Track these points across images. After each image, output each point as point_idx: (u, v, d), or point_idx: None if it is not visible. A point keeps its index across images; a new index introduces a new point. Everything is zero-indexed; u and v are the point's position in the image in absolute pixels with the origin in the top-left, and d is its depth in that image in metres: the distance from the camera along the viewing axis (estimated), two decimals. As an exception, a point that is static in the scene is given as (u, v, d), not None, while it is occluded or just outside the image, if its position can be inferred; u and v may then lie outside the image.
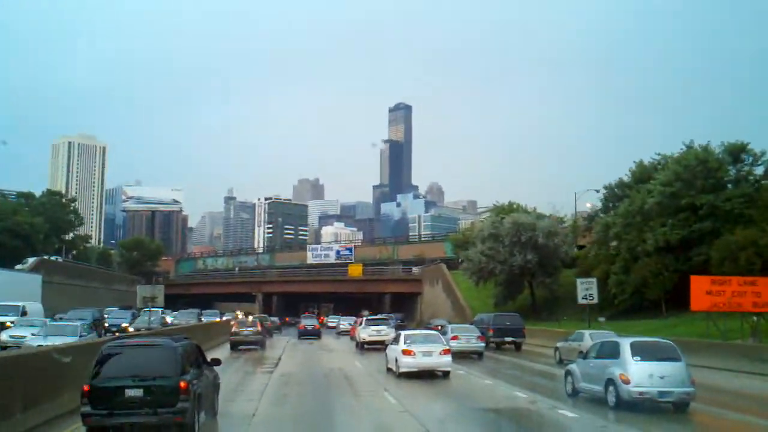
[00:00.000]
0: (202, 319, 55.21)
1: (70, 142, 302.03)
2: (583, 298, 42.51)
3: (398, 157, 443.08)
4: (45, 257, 73.07)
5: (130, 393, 11.33)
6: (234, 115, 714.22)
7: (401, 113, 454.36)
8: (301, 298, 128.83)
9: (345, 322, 60.25)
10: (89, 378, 11.56)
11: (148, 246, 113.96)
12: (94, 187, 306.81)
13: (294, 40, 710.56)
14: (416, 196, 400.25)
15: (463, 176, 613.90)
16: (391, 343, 25.38)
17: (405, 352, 22.32)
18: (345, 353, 37.06)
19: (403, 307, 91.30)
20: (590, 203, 72.32)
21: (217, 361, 15.40)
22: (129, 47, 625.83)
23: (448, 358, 22.76)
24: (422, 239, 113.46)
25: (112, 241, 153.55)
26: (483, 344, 32.21)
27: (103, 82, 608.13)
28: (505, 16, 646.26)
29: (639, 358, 15.57)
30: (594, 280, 44.20)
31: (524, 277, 57.03)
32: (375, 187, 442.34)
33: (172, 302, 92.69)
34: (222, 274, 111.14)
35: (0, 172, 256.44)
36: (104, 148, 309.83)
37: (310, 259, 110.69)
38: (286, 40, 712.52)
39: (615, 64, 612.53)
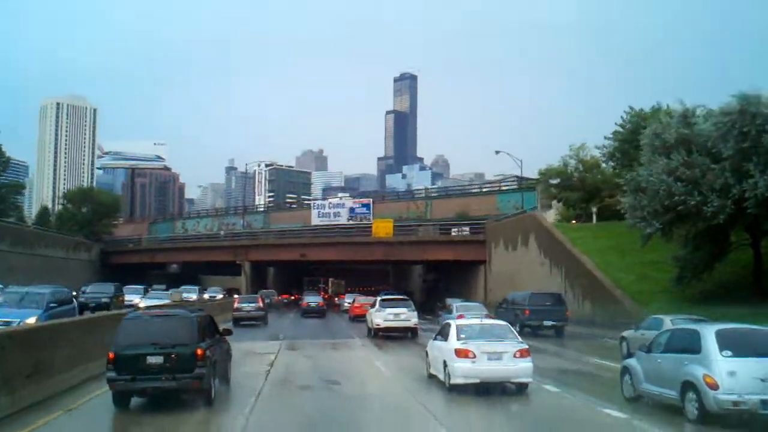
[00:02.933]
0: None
1: (58, 104, 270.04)
2: None
3: (403, 128, 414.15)
4: None
5: (151, 360, 11.51)
6: (237, 90, 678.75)
7: (406, 83, 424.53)
8: (303, 270, 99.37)
9: (346, 301, 51.39)
10: (113, 346, 11.71)
11: (98, 198, 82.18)
12: (84, 152, 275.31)
13: (298, 9, 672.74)
14: (422, 168, 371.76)
15: (469, 148, 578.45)
16: (435, 338, 16.30)
17: (459, 353, 13.96)
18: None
19: (448, 284, 61.42)
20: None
21: (228, 332, 15.40)
22: (128, 19, 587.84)
23: (528, 362, 14.03)
24: (466, 191, 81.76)
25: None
26: None
27: (106, 57, 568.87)
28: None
29: (730, 353, 10.61)
30: None
31: (759, 225, 26.80)
32: (380, 159, 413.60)
33: (142, 274, 69.26)
34: (197, 239, 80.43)
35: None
36: (95, 111, 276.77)
37: (315, 219, 79.17)
38: (290, 8, 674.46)
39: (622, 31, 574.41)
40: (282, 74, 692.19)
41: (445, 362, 14.56)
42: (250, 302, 36.93)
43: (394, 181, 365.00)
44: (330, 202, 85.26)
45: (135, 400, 12.07)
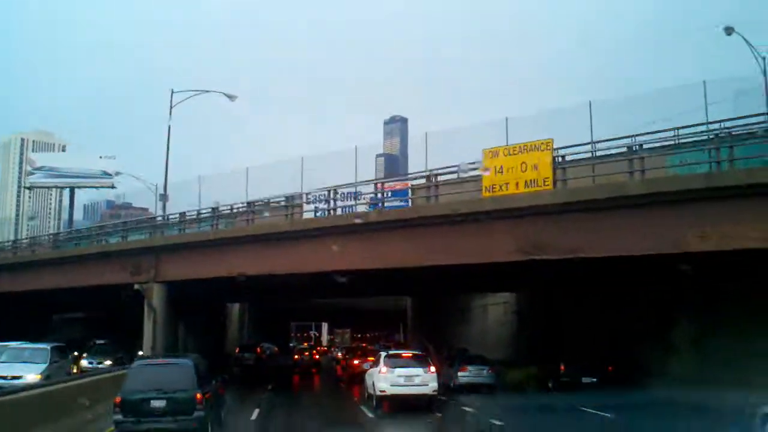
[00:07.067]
0: None
1: (23, 139, 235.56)
2: None
3: (394, 171, 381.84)
4: None
5: (155, 403, 12.07)
6: (225, 136, 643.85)
7: (397, 126, 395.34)
8: (290, 311, 60.98)
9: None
10: (121, 391, 12.23)
11: None
12: (51, 191, 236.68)
13: (288, 48, 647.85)
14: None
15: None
16: None
17: None
18: None
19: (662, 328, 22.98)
20: None
21: (225, 379, 16.53)
22: (112, 60, 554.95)
23: None
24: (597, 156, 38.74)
25: None
26: (494, 375, 25.67)
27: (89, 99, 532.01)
28: (504, 26, 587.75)
29: None
30: None
31: None
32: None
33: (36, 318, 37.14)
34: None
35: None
36: (64, 147, 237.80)
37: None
38: (279, 49, 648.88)
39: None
40: (267, 119, 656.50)
41: None
42: (249, 352, 39.64)
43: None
44: (338, 192, 44.04)
45: None
